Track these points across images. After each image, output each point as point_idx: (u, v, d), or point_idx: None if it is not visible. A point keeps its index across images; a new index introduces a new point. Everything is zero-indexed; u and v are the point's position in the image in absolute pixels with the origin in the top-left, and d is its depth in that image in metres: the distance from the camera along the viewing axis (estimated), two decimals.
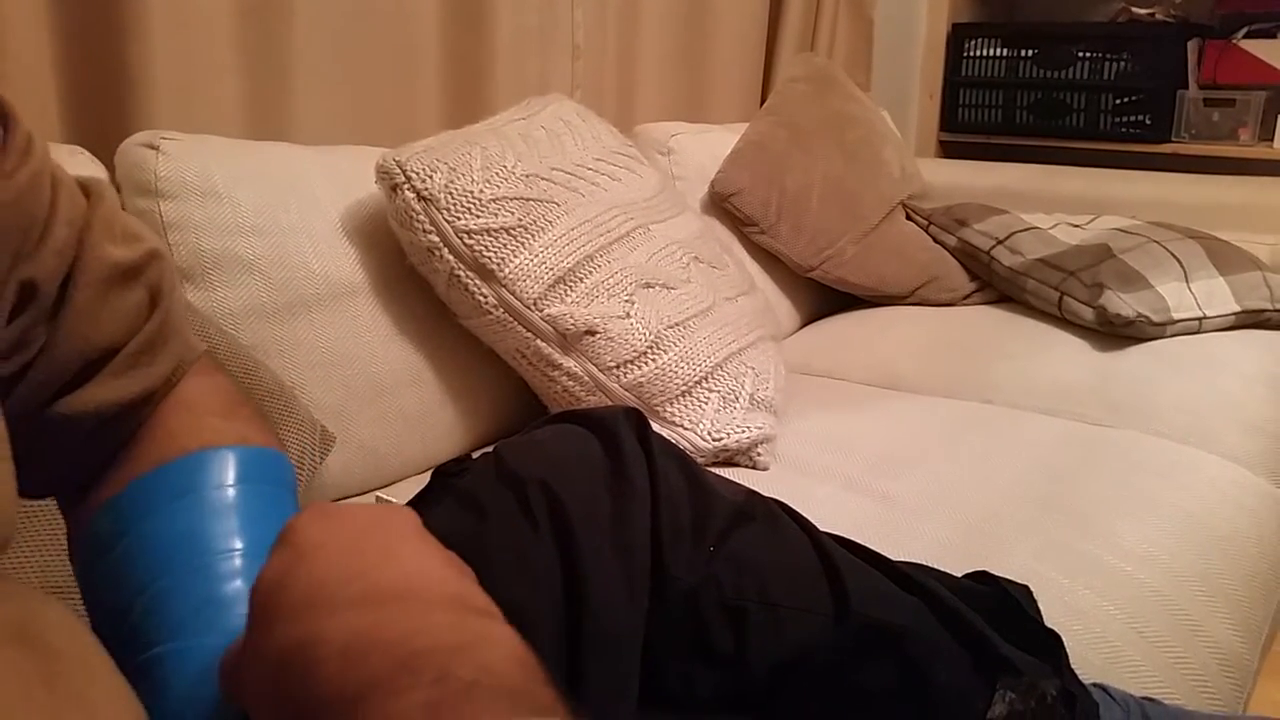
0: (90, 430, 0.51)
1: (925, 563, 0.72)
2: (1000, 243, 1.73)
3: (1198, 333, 1.51)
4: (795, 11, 2.20)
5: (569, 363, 1.13)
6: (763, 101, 2.09)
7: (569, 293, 1.13)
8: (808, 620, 0.62)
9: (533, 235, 1.13)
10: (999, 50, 2.40)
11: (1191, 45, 2.24)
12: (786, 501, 0.70)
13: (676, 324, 1.17)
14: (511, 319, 1.12)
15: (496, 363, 1.20)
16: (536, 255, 1.13)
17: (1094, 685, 0.71)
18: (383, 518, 0.42)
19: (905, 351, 1.55)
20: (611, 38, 1.81)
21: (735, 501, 0.66)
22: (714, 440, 1.13)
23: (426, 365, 1.18)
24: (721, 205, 1.71)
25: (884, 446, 1.17)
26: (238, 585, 0.48)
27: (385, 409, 1.13)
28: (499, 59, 1.56)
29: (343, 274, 1.13)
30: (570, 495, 0.58)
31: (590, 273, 1.15)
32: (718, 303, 1.26)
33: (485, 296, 1.12)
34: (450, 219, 1.11)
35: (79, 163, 1.02)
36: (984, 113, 2.45)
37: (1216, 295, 1.54)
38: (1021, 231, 1.75)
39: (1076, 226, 1.79)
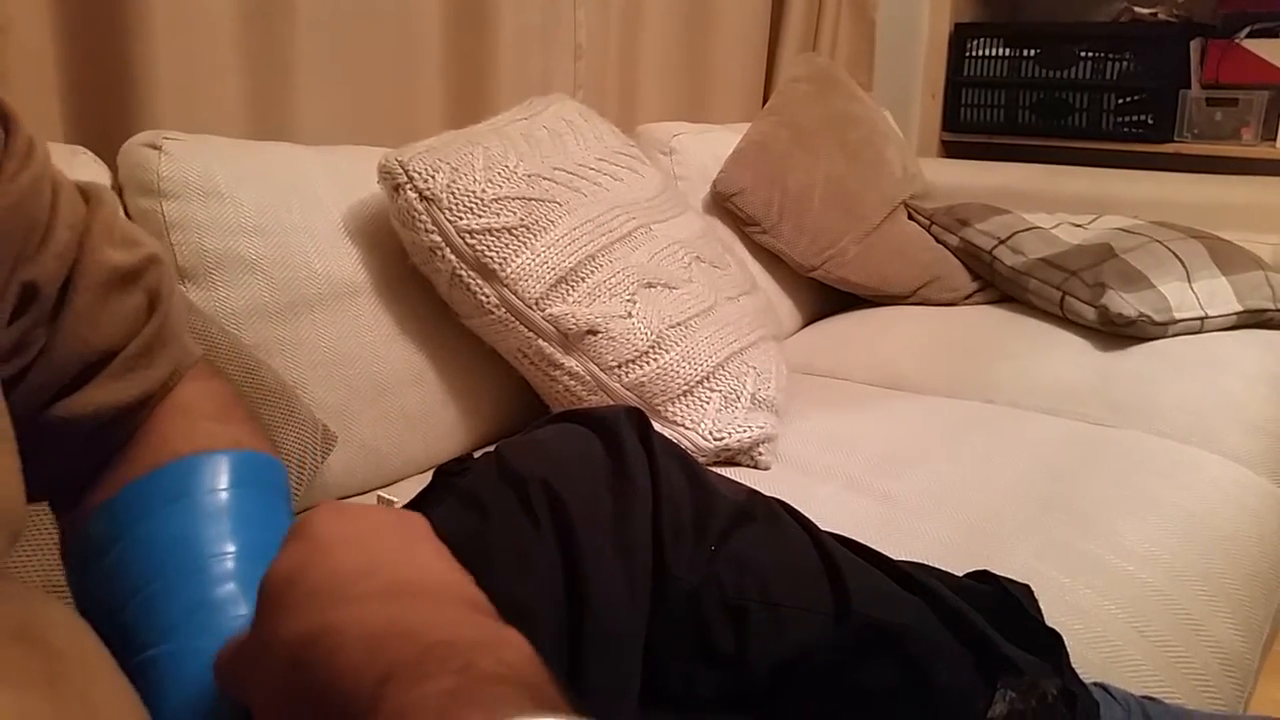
0: (88, 433, 0.51)
1: (926, 562, 0.72)
2: (1002, 242, 1.73)
3: (1200, 332, 1.51)
4: (797, 11, 2.20)
5: (570, 362, 1.13)
6: (765, 101, 2.09)
7: (571, 292, 1.13)
8: (809, 620, 0.62)
9: (535, 235, 1.14)
10: (1001, 50, 2.40)
11: (1194, 45, 2.24)
12: (788, 501, 0.70)
13: (678, 323, 1.17)
14: (513, 318, 1.12)
15: (498, 362, 1.20)
16: (538, 255, 1.13)
17: (1095, 684, 0.71)
18: (398, 519, 0.43)
19: (907, 351, 1.55)
20: (614, 37, 1.81)
21: (737, 501, 0.66)
22: (715, 440, 1.13)
23: (428, 365, 1.19)
24: (723, 205, 1.71)
25: (885, 446, 1.17)
26: (231, 588, 0.48)
27: (387, 408, 1.14)
28: (501, 59, 1.56)
29: (345, 274, 1.13)
30: (572, 495, 0.58)
31: (592, 272, 1.15)
32: (719, 302, 1.26)
33: (487, 296, 1.12)
34: (452, 219, 1.11)
35: (81, 162, 1.02)
36: (986, 112, 2.45)
37: (1219, 295, 1.54)
38: (1023, 231, 1.75)
39: (1078, 226, 1.79)
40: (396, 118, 1.45)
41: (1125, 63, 2.24)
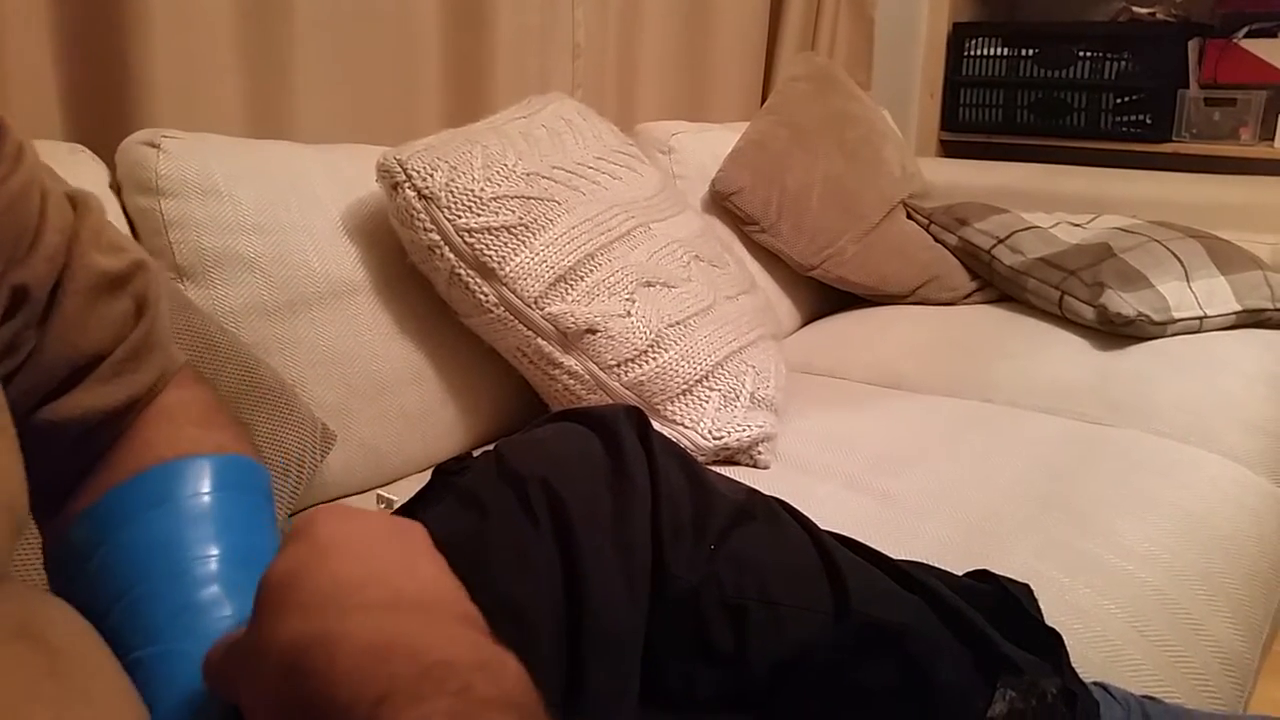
0: (75, 437, 0.51)
1: (926, 561, 0.72)
2: (1001, 242, 1.73)
3: (1198, 332, 1.51)
4: (796, 10, 2.20)
5: (570, 361, 1.13)
6: (763, 100, 2.09)
7: (570, 291, 1.13)
8: (808, 619, 0.62)
9: (533, 234, 1.13)
10: (1000, 49, 2.40)
11: (1192, 45, 2.24)
12: (787, 500, 0.70)
13: (677, 322, 1.17)
14: (512, 317, 1.12)
15: (497, 361, 1.20)
16: (537, 254, 1.13)
17: (1094, 684, 0.71)
18: (399, 527, 0.42)
19: (906, 350, 1.55)
20: (612, 36, 1.81)
21: (736, 500, 0.66)
22: (715, 439, 1.13)
23: (427, 363, 1.18)
24: (722, 204, 1.71)
25: (884, 445, 1.17)
26: (215, 590, 0.48)
27: (386, 407, 1.13)
28: (500, 58, 1.56)
29: (343, 272, 1.13)
30: (571, 494, 0.58)
31: (591, 271, 1.15)
32: (718, 301, 1.26)
33: (486, 295, 1.12)
34: (451, 217, 1.11)
35: (80, 161, 1.02)
36: (985, 112, 2.45)
37: (1217, 294, 1.54)
38: (1022, 230, 1.75)
39: (1077, 226, 1.79)
40: (395, 117, 1.45)
41: (1123, 62, 2.24)
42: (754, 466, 1.14)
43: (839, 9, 2.32)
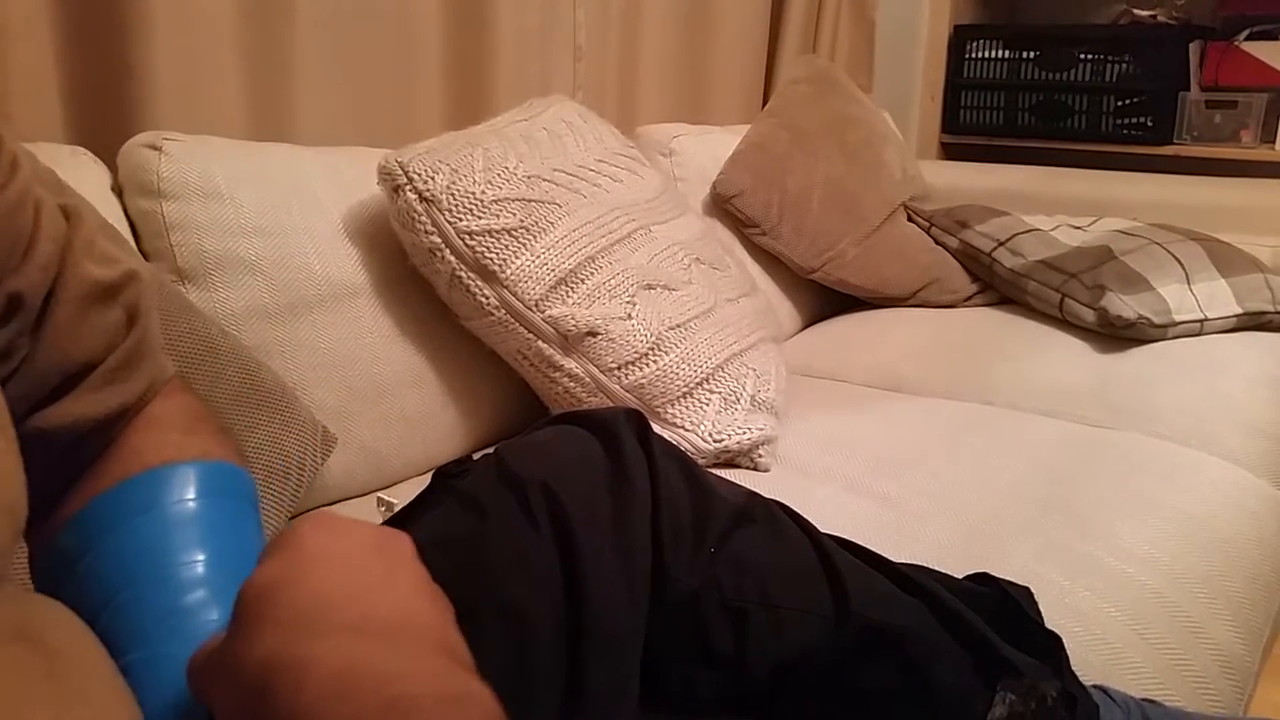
0: (65, 445, 0.51)
1: (926, 564, 0.72)
2: (1001, 244, 1.73)
3: (1199, 335, 1.51)
4: (797, 13, 2.20)
5: (570, 364, 1.13)
6: (764, 103, 2.09)
7: (570, 294, 1.13)
8: (808, 621, 0.62)
9: (534, 236, 1.14)
10: (1001, 52, 2.40)
11: (1193, 47, 2.24)
12: (787, 503, 0.70)
13: (678, 325, 1.17)
14: (513, 320, 1.12)
15: (498, 364, 1.20)
16: (538, 256, 1.13)
17: (1094, 687, 0.71)
18: (384, 540, 0.42)
19: (906, 353, 1.55)
20: (613, 39, 1.81)
21: (736, 503, 0.66)
22: (715, 441, 1.13)
23: (428, 366, 1.18)
24: (723, 207, 1.71)
25: (885, 448, 1.17)
26: (202, 594, 0.48)
27: (387, 410, 1.14)
28: (501, 60, 1.57)
29: (344, 275, 1.13)
30: (571, 496, 0.59)
31: (592, 274, 1.15)
32: (719, 304, 1.26)
33: (487, 298, 1.12)
34: (452, 220, 1.11)
35: (81, 163, 1.02)
36: (985, 114, 2.45)
37: (1218, 297, 1.54)
38: (1023, 233, 1.75)
39: (1078, 228, 1.79)
40: (396, 118, 1.45)
41: (1125, 65, 2.24)
42: (754, 469, 1.14)
43: (840, 11, 2.32)
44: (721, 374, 1.18)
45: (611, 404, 1.13)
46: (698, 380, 1.15)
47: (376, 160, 1.15)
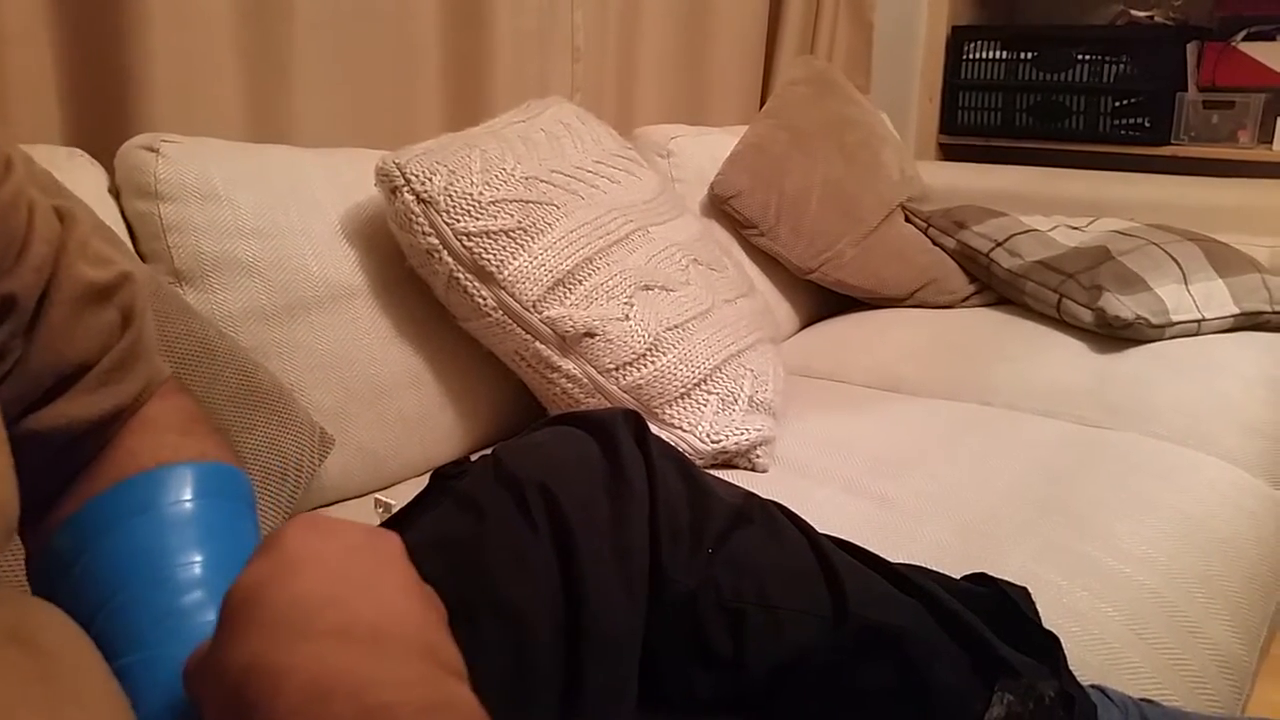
0: (59, 447, 0.51)
1: (924, 564, 0.72)
2: (999, 245, 1.74)
3: (1196, 335, 1.51)
4: (795, 14, 2.20)
5: (568, 365, 1.13)
6: (762, 104, 2.09)
7: (568, 295, 1.13)
8: (806, 622, 0.62)
9: (532, 238, 1.14)
10: (998, 53, 2.41)
11: (1191, 48, 2.24)
12: (785, 504, 0.70)
13: (675, 326, 1.17)
14: (510, 321, 1.12)
15: (495, 365, 1.20)
16: (536, 257, 1.13)
17: (1092, 687, 0.71)
18: (371, 541, 0.42)
19: (904, 354, 1.55)
20: (611, 40, 1.81)
21: (733, 504, 0.66)
22: (713, 442, 1.13)
23: (426, 367, 1.18)
24: (721, 207, 1.71)
25: (883, 448, 1.17)
26: (199, 595, 0.48)
27: (384, 411, 1.13)
28: (499, 61, 1.57)
29: (342, 276, 1.13)
30: (569, 497, 0.59)
31: (589, 275, 1.15)
32: (717, 305, 1.26)
33: (484, 299, 1.12)
34: (449, 221, 1.11)
35: (78, 165, 1.02)
36: (983, 115, 2.46)
37: (1215, 297, 1.54)
38: (1020, 234, 1.75)
39: (1076, 229, 1.79)
40: (394, 120, 1.45)
41: (1122, 66, 2.25)
42: (752, 470, 1.14)
43: (838, 12, 2.32)
44: (719, 375, 1.18)
45: (609, 405, 1.13)
46: (695, 381, 1.15)
47: (374, 162, 1.15)
